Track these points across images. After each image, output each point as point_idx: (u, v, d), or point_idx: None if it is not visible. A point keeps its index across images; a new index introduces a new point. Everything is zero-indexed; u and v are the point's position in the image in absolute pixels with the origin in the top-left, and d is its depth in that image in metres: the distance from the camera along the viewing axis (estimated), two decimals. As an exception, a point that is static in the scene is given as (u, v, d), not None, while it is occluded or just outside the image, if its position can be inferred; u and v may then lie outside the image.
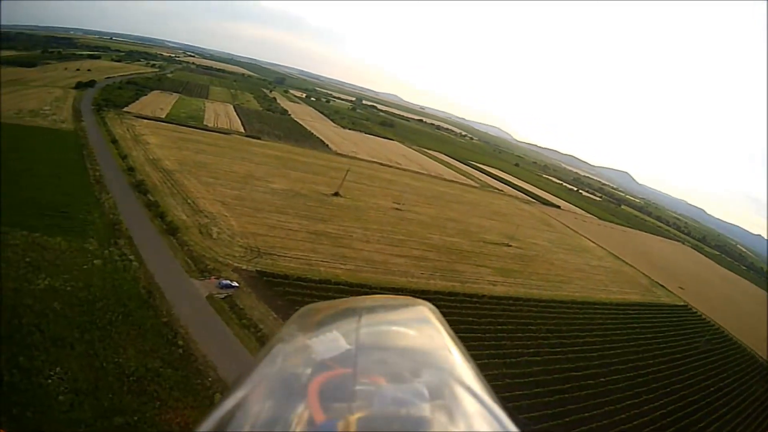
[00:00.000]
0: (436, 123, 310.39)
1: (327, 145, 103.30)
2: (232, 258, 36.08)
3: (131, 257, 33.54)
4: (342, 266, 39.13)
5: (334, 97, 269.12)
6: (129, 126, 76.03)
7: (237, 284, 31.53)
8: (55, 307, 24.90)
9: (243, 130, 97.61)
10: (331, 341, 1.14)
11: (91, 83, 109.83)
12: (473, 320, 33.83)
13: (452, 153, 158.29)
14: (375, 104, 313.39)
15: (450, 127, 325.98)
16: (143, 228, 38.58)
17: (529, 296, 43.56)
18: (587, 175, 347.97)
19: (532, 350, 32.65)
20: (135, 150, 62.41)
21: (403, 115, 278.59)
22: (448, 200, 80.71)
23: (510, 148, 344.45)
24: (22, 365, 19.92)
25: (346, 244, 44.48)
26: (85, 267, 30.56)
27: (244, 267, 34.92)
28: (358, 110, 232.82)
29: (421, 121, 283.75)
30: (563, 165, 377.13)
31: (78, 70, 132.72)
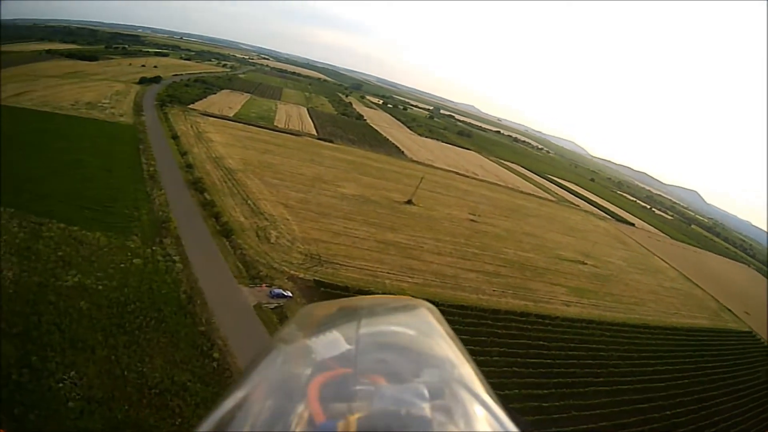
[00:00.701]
0: (513, 135, 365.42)
1: (402, 152, 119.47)
2: (288, 265, 38.82)
3: (176, 258, 36.57)
4: (409, 279, 42.50)
5: (412, 105, 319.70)
6: (193, 123, 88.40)
7: (290, 294, 33.56)
8: (80, 307, 27.24)
9: (315, 133, 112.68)
10: (331, 341, 1.39)
11: (156, 79, 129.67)
12: (543, 344, 37.33)
13: (529, 165, 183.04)
14: (452, 114, 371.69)
15: (527, 139, 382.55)
16: (194, 228, 42.45)
17: (602, 319, 48.24)
18: (659, 192, 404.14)
19: (601, 379, 35.98)
20: (197, 147, 71.60)
21: (480, 126, 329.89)
22: (524, 213, 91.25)
23: (585, 163, 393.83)
24: (33, 365, 21.65)
25: (416, 255, 48.86)
26: (122, 265, 33.58)
27: (301, 275, 37.32)
28: (435, 119, 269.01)
29: (498, 132, 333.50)
30: (636, 182, 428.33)
31: (143, 66, 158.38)
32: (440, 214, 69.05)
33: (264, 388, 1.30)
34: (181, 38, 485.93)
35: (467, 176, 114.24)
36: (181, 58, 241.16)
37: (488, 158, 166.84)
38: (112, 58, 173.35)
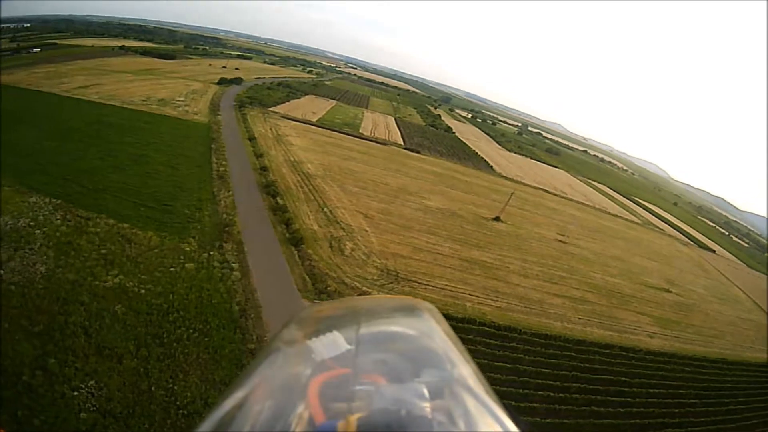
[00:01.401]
0: (600, 155, 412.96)
1: (491, 167, 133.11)
2: (361, 280, 40.74)
3: (234, 265, 37.71)
4: (492, 302, 45.01)
5: (500, 120, 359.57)
6: (273, 125, 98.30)
7: None
8: (115, 311, 28.23)
9: (402, 143, 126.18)
10: (331, 341, 1.63)
11: (236, 80, 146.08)
12: (624, 380, 39.44)
13: (615, 186, 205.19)
14: (540, 131, 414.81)
15: (612, 160, 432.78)
16: (260, 234, 44.97)
17: (683, 352, 50.90)
18: (735, 219, 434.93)
19: (677, 420, 37.62)
20: (274, 149, 78.62)
21: (567, 145, 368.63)
22: (611, 235, 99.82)
23: (667, 186, 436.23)
24: (49, 368, 22.19)
25: (502, 276, 52.41)
26: (171, 269, 34.98)
27: (375, 292, 38.59)
28: (524, 135, 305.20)
29: (585, 152, 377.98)
30: (714, 207, 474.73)
31: (224, 67, 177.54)
32: (528, 232, 74.57)
33: (264, 388, 1.52)
34: (266, 43, 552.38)
35: (555, 194, 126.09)
36: (264, 62, 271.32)
37: (576, 177, 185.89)
38: (190, 58, 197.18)
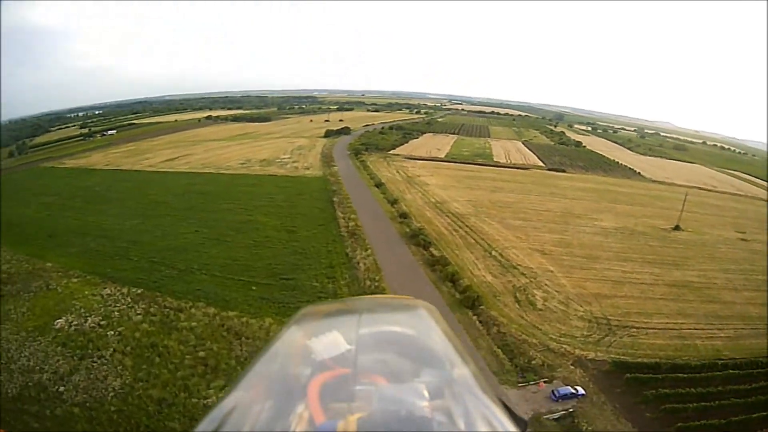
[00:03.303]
0: (718, 144, 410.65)
1: (638, 173, 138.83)
2: (569, 340, 37.54)
3: None
4: (719, 333, 42.29)
5: (616, 128, 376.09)
6: (399, 168, 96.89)
7: (582, 391, 32.56)
8: None
9: (542, 164, 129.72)
10: (331, 341, 1.81)
11: (344, 130, 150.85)
12: None
13: (752, 172, 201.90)
14: (656, 131, 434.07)
15: (731, 147, 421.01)
16: (424, 298, 37.46)
17: None
18: None
19: None
20: (409, 193, 75.78)
21: (686, 140, 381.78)
22: None
23: None
24: None
25: (714, 295, 50.01)
26: None
27: (591, 355, 36.10)
28: (645, 138, 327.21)
29: (704, 143, 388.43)
30: None
31: (327, 120, 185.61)
32: (711, 237, 73.65)
33: (264, 388, 1.71)
34: (363, 95, 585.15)
35: (708, 190, 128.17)
36: (367, 110, 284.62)
37: (713, 169, 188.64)
38: (287, 117, 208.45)
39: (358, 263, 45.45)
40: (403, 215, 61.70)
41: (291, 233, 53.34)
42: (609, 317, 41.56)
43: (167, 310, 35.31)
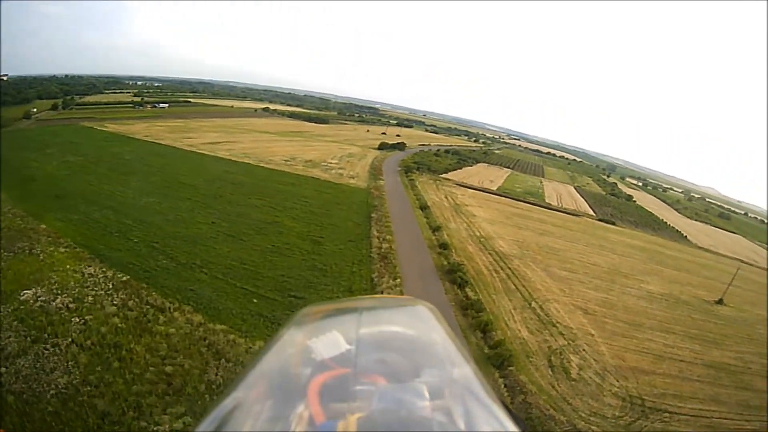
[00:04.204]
0: (758, 217, 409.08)
1: (685, 237, 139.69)
2: (599, 420, 35.24)
3: None
4: (747, 425, 40.31)
5: (665, 187, 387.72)
6: (448, 193, 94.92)
7: None
8: None
9: (592, 213, 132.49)
10: (331, 341, 1.87)
11: (399, 146, 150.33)
12: None
13: None
14: (702, 196, 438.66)
15: None
16: None
17: None
18: None
19: None
20: (454, 221, 74.35)
21: (730, 209, 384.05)
22: None
23: None
24: None
25: (748, 382, 47.54)
26: None
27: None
28: (692, 201, 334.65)
29: (746, 214, 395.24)
30: None
31: (384, 133, 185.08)
32: (751, 316, 70.71)
33: (264, 388, 1.77)
34: (424, 115, 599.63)
35: (749, 264, 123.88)
36: (426, 130, 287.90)
37: (754, 242, 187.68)
38: (345, 123, 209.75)
39: (383, 293, 41.27)
40: (443, 245, 58.65)
41: (316, 244, 49.88)
42: (644, 397, 39.06)
43: (147, 307, 31.56)
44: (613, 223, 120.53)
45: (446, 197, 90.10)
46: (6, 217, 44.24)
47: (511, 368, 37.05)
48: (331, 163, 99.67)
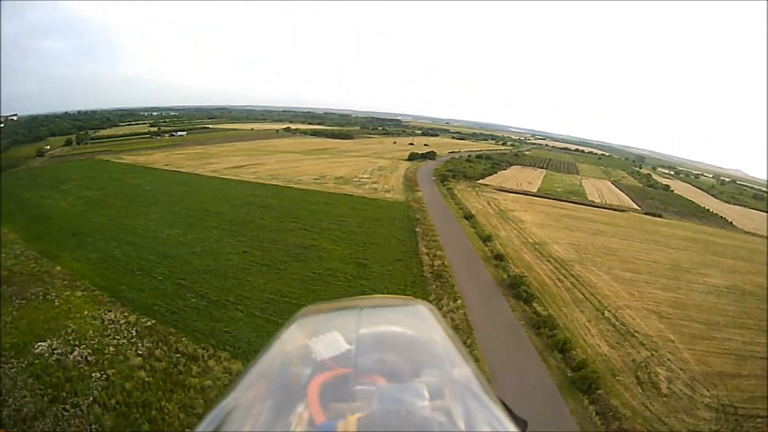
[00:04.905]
0: None
1: (730, 223, 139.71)
2: None
3: None
4: None
5: (696, 174, 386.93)
6: (490, 199, 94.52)
7: None
8: None
9: (636, 207, 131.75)
10: (331, 341, 1.92)
11: (429, 155, 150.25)
12: None
13: None
14: (731, 179, 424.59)
15: None
16: (527, 375, 35.55)
17: None
18: None
19: None
20: (502, 230, 73.19)
21: (762, 189, 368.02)
22: None
23: None
24: None
25: None
26: None
27: None
28: (725, 185, 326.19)
29: None
30: None
31: (411, 144, 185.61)
32: None
33: (264, 388, 1.82)
34: (447, 123, 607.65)
35: None
36: (452, 137, 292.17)
37: None
38: (370, 137, 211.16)
39: (445, 318, 35.88)
40: (499, 257, 56.20)
41: (361, 267, 46.76)
42: (736, 404, 37.06)
43: (177, 356, 28.55)
44: (660, 216, 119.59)
45: (489, 204, 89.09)
46: (19, 260, 42.27)
47: (599, 392, 34.21)
48: (362, 177, 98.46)
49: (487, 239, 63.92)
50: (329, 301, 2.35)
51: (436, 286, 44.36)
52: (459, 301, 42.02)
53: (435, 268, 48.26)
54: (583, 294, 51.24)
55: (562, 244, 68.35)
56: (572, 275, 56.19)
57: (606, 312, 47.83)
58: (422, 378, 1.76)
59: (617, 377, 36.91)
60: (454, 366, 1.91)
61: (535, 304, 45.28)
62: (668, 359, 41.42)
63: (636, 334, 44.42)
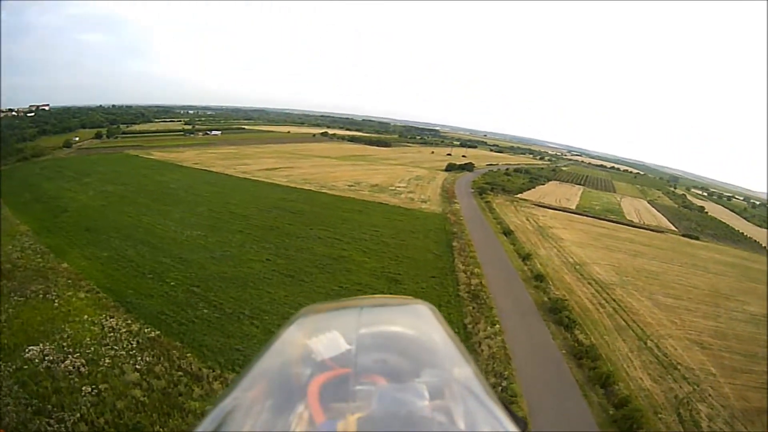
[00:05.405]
0: None
1: (764, 247, 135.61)
2: None
3: None
4: None
5: (728, 196, 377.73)
6: (529, 215, 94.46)
7: None
8: None
9: (674, 228, 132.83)
10: (331, 341, 1.91)
11: (468, 166, 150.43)
12: None
13: None
14: (761, 202, 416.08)
15: None
16: (568, 411, 33.75)
17: None
18: None
19: None
20: (542, 248, 72.06)
21: None
22: None
23: None
24: None
25: None
26: None
27: None
28: (756, 208, 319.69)
29: None
30: None
31: (449, 154, 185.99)
32: None
33: (264, 388, 1.80)
34: (485, 135, 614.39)
35: None
36: (491, 150, 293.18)
37: None
38: (408, 146, 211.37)
39: (480, 344, 35.97)
40: (538, 277, 54.69)
41: (393, 282, 44.72)
42: None
43: (179, 374, 26.29)
44: (697, 238, 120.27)
45: (527, 219, 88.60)
46: (25, 254, 41.10)
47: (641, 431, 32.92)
48: (399, 186, 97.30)
49: (526, 257, 62.76)
50: (329, 301, 2.36)
51: (473, 308, 42.24)
52: (497, 326, 39.84)
53: (472, 287, 46.11)
54: (625, 321, 50.03)
55: (603, 266, 67.27)
56: (614, 300, 54.98)
57: (648, 342, 46.74)
58: (422, 378, 1.75)
59: (659, 415, 35.55)
60: (454, 366, 1.90)
61: (576, 332, 43.79)
62: (709, 395, 40.32)
63: (679, 367, 43.21)
